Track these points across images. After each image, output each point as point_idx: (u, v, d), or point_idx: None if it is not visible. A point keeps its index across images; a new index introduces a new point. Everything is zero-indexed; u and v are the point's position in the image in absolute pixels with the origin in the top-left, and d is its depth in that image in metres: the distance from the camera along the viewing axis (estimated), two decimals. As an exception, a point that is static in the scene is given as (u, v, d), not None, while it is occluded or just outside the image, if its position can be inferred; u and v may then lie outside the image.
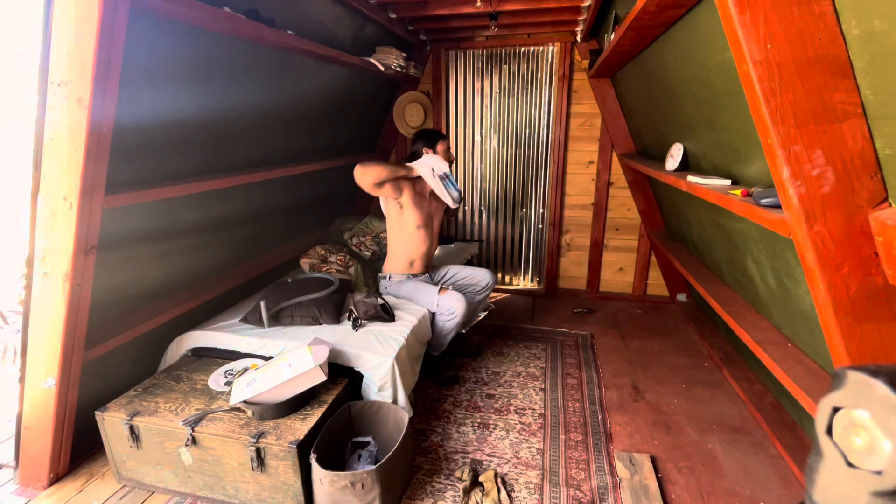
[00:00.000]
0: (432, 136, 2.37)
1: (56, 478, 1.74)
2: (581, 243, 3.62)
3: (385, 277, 2.52)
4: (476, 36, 3.35)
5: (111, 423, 1.63)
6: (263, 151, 2.41)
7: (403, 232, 2.41)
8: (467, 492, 1.66)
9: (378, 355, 1.86)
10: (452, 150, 2.90)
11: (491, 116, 3.55)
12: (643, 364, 2.63)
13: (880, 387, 0.33)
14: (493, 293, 3.51)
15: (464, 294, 2.39)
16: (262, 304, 2.08)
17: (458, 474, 1.76)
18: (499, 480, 1.72)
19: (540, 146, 3.51)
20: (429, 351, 2.42)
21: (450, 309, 2.27)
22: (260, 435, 1.52)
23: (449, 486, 1.72)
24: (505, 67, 3.42)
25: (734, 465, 1.84)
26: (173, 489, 1.67)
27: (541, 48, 3.33)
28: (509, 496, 1.67)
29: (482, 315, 2.78)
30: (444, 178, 2.28)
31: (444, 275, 2.64)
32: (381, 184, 2.18)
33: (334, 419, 1.66)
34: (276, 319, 2.10)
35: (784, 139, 0.91)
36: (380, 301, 2.13)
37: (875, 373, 0.34)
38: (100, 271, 1.64)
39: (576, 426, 2.08)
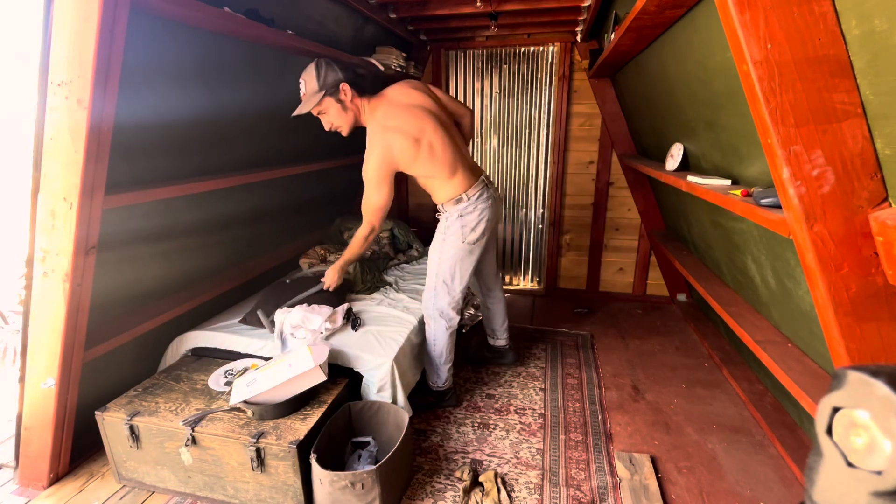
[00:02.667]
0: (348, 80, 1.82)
1: (56, 478, 1.74)
2: (581, 243, 3.62)
3: (460, 200, 1.94)
4: (476, 36, 3.35)
5: (111, 423, 1.63)
6: (263, 151, 2.41)
7: (432, 165, 1.90)
8: (467, 492, 1.66)
9: (377, 356, 1.86)
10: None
11: (491, 116, 3.55)
12: (643, 364, 2.63)
13: (880, 387, 0.33)
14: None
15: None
16: (260, 312, 2.07)
17: (458, 474, 1.76)
18: (499, 480, 1.72)
19: (540, 146, 3.51)
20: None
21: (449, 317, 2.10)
22: (260, 435, 1.52)
23: (449, 486, 1.72)
24: (505, 67, 3.42)
25: (734, 465, 1.84)
26: (173, 489, 1.67)
27: (541, 48, 3.33)
28: (509, 496, 1.67)
29: (481, 316, 2.78)
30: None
31: None
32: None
33: (334, 419, 1.66)
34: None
35: (784, 139, 0.91)
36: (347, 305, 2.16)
37: (875, 373, 0.34)
38: (100, 271, 1.64)
39: (576, 426, 2.07)
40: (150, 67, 1.55)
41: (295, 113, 1.85)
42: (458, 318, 2.09)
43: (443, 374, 2.14)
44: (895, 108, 0.80)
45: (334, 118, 1.87)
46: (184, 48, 1.63)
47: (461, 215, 1.96)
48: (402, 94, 1.91)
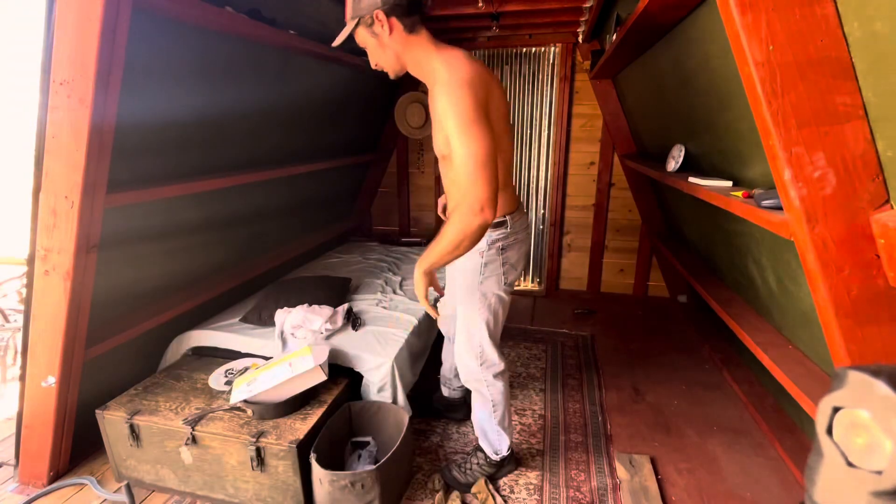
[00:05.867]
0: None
1: (56, 476, 1.74)
2: (582, 244, 3.62)
3: (501, 224, 1.46)
4: (477, 37, 3.35)
5: (112, 421, 1.63)
6: (264, 151, 2.41)
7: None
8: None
9: (378, 356, 1.86)
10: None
11: (492, 117, 3.55)
12: (643, 365, 2.62)
13: (881, 386, 0.33)
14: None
15: None
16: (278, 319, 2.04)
17: (430, 485, 1.70)
18: (490, 487, 1.69)
19: (541, 147, 3.51)
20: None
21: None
22: (260, 434, 1.52)
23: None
24: (506, 68, 3.42)
25: (734, 466, 1.83)
26: (173, 488, 1.67)
27: (542, 49, 3.33)
28: (505, 501, 1.66)
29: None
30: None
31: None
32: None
33: (334, 419, 1.66)
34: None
35: (785, 141, 0.91)
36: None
37: (876, 373, 0.34)
38: (101, 270, 1.64)
39: (576, 427, 2.07)
40: (152, 66, 1.56)
41: (334, 43, 1.40)
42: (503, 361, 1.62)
43: (508, 438, 1.70)
44: (897, 110, 0.81)
45: (374, 54, 1.38)
46: (185, 47, 1.64)
47: (502, 249, 1.45)
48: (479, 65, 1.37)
